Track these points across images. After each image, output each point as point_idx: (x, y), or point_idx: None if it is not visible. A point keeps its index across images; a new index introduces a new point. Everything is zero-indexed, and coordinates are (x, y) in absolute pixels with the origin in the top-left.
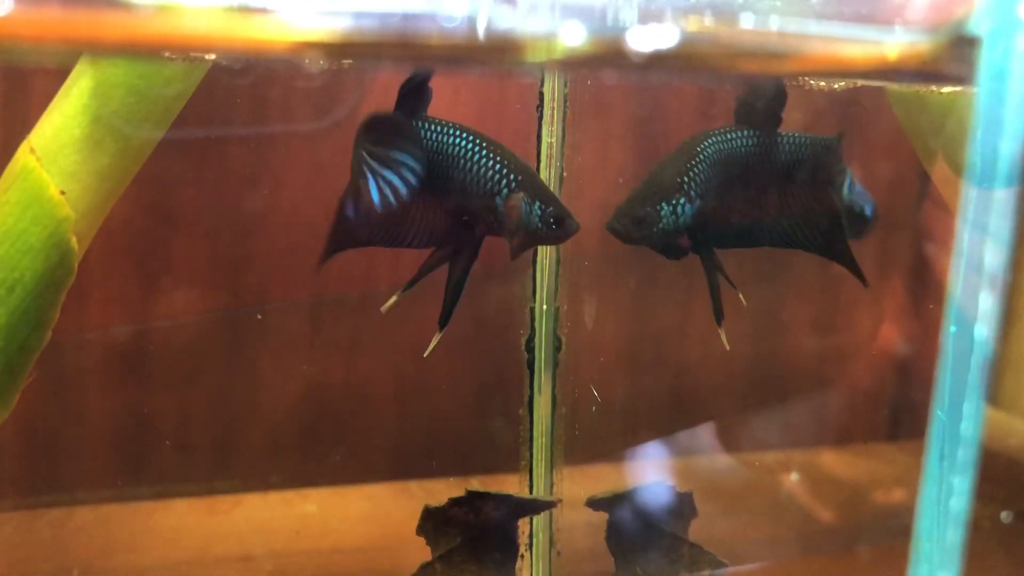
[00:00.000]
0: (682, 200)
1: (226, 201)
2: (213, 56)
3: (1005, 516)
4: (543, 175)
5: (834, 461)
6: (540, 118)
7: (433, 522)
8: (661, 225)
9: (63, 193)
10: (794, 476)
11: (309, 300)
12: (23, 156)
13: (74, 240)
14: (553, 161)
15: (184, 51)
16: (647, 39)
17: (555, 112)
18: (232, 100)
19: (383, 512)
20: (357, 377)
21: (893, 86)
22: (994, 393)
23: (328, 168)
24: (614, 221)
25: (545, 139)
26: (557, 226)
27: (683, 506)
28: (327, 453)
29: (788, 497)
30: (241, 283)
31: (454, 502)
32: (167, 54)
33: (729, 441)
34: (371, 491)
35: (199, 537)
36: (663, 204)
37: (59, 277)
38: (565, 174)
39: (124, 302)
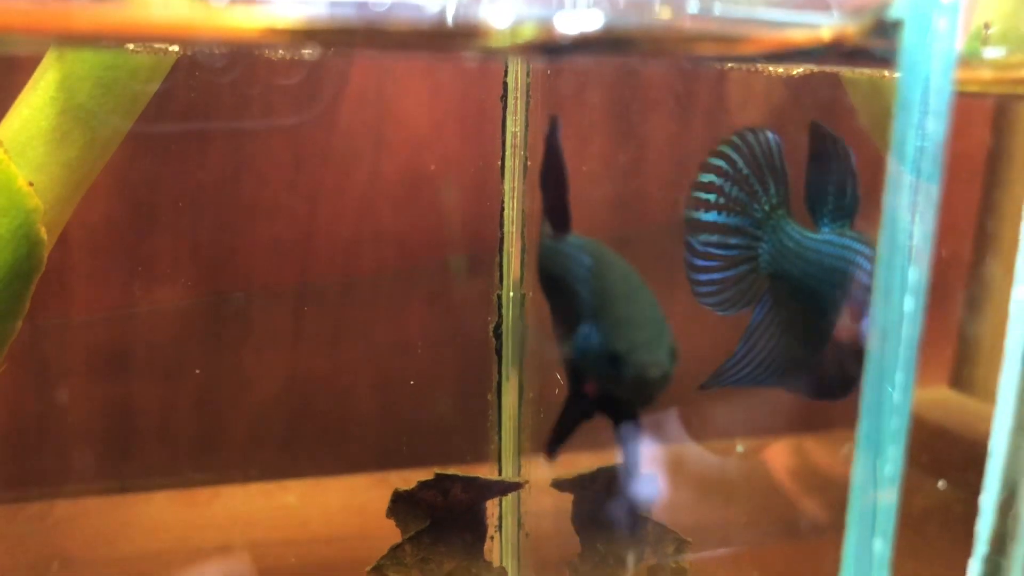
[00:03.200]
0: None
1: (206, 192)
2: (177, 48)
3: (941, 485)
4: (508, 164)
5: (812, 447)
6: (504, 108)
7: (402, 505)
8: None
9: (31, 184)
10: (739, 448)
11: (290, 293)
12: None
13: (43, 231)
14: (517, 150)
15: (152, 40)
16: (578, 24)
17: (518, 102)
18: (206, 90)
19: (361, 502)
20: (336, 370)
21: (848, 73)
22: (969, 381)
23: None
24: None
25: (510, 128)
26: None
27: (647, 486)
28: (306, 445)
29: (760, 483)
30: (222, 276)
31: (423, 485)
32: (131, 46)
33: (699, 426)
34: (350, 482)
35: (179, 528)
36: None
37: (29, 268)
38: (529, 163)
39: (104, 295)
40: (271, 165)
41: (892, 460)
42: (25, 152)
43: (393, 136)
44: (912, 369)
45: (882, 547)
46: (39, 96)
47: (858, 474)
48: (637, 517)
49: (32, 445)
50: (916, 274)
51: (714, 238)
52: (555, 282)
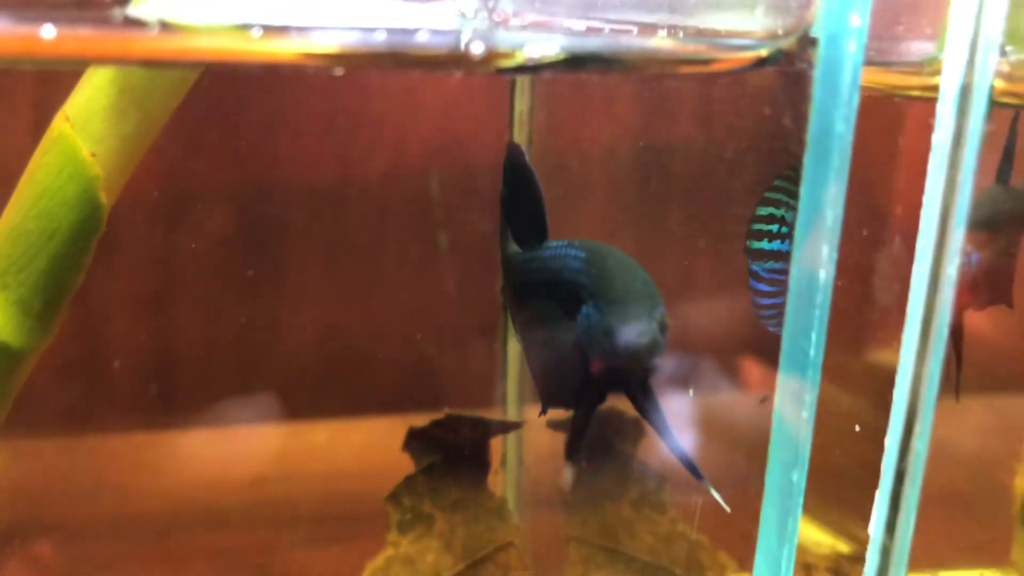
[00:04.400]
0: None
1: (245, 135)
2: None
3: (857, 428)
4: (515, 139)
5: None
6: (512, 88)
7: (417, 441)
8: None
9: (93, 155)
10: (691, 392)
11: (323, 243)
12: (59, 123)
13: (103, 196)
14: (524, 127)
15: (200, 64)
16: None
17: (526, 82)
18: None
19: (385, 442)
20: (363, 322)
21: None
22: None
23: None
24: None
25: (517, 106)
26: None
27: (632, 429)
28: (335, 389)
29: (738, 433)
30: (260, 231)
31: (435, 423)
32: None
33: (689, 376)
34: (374, 423)
35: (217, 462)
36: None
37: (91, 227)
38: (534, 137)
39: (151, 245)
40: (306, 131)
41: (808, 405)
42: (88, 127)
43: (414, 113)
44: (824, 329)
45: (799, 478)
46: (101, 76)
47: (779, 418)
48: (623, 455)
49: (87, 386)
50: (827, 250)
51: (779, 265)
52: (539, 292)
